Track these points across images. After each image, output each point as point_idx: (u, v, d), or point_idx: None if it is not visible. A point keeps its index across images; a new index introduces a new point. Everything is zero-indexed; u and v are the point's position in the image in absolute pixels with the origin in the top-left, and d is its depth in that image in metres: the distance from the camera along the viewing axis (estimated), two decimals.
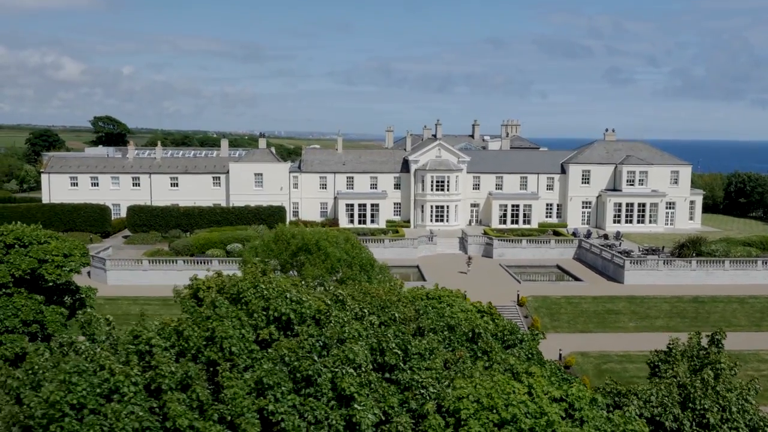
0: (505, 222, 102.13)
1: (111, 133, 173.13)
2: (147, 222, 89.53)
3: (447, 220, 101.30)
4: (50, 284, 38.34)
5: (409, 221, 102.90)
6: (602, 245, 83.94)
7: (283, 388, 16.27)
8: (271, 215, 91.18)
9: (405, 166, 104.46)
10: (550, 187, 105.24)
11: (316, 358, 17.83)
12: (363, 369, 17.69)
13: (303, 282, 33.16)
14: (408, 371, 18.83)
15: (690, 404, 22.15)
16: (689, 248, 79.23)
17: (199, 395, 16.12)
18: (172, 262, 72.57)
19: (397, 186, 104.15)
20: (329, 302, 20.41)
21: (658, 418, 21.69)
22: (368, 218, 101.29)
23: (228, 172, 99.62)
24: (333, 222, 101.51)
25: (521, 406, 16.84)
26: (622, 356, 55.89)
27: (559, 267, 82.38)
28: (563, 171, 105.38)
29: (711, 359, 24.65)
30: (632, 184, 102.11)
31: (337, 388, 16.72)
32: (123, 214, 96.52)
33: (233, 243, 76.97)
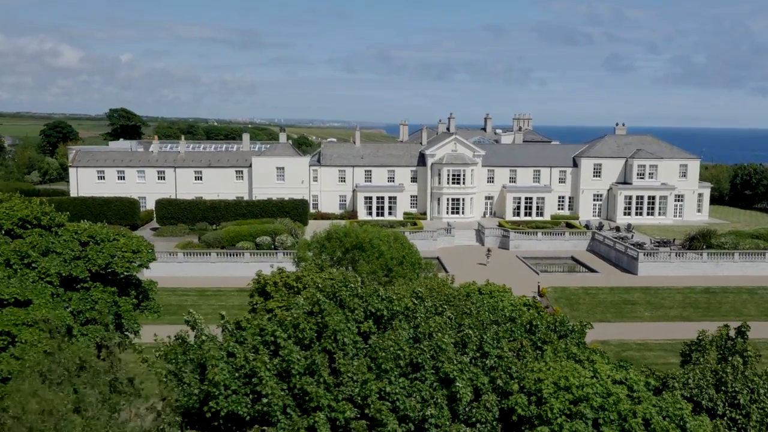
0: (518, 214, 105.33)
1: (126, 125, 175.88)
2: (175, 215, 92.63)
3: (462, 213, 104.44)
4: (120, 278, 41.55)
5: (425, 213, 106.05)
6: (615, 237, 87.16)
7: (396, 372, 19.44)
8: (294, 208, 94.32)
9: (421, 159, 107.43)
10: (562, 180, 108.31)
11: (406, 348, 21.01)
12: (452, 356, 20.90)
13: (358, 277, 36.51)
14: (492, 357, 22.03)
15: (723, 387, 25.39)
16: (699, 241, 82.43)
17: (325, 379, 19.28)
18: (206, 255, 75.72)
19: (413, 179, 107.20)
20: (415, 300, 23.57)
21: (695, 399, 24.91)
22: (386, 210, 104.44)
23: (250, 165, 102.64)
24: (352, 214, 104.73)
25: (591, 387, 20.03)
26: (640, 344, 59.15)
27: (573, 258, 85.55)
28: (575, 164, 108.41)
29: (738, 348, 27.90)
30: (642, 178, 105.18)
31: (439, 372, 19.91)
32: (149, 206, 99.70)
33: (262, 236, 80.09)
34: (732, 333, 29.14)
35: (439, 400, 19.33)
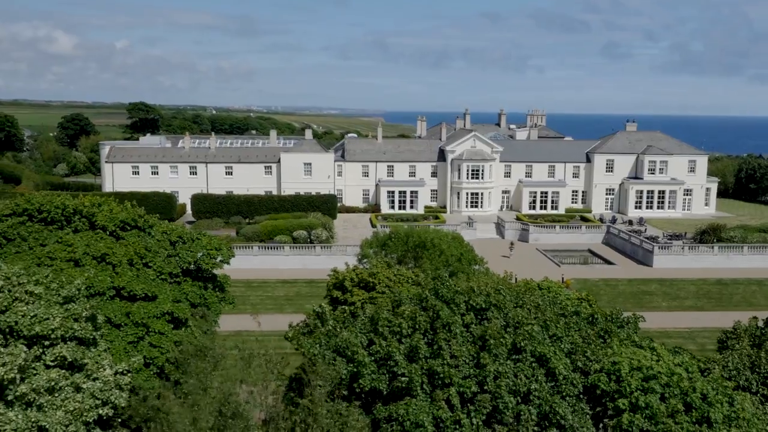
0: (534, 208, 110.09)
1: (145, 119, 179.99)
2: (210, 209, 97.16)
3: (481, 206, 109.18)
4: (202, 273, 46.20)
5: (445, 207, 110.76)
6: (629, 231, 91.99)
7: (504, 354, 24.17)
8: (324, 203, 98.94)
9: (441, 155, 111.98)
10: (576, 175, 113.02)
11: (507, 336, 25.76)
12: (542, 341, 25.68)
13: (423, 273, 41.35)
14: (566, 343, 26.78)
15: (756, 369, 30.25)
16: (710, 234, 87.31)
17: (447, 361, 23.98)
18: (248, 248, 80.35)
19: (433, 174, 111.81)
20: (503, 295, 28.29)
21: (733, 379, 29.74)
22: (408, 204, 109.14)
23: (279, 161, 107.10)
24: (375, 208, 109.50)
25: (658, 368, 24.76)
26: (660, 332, 63.89)
27: (590, 251, 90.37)
28: (588, 160, 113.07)
29: (766, 335, 32.74)
30: (653, 173, 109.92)
31: (535, 354, 24.66)
32: (181, 200, 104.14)
33: (298, 230, 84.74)
34: (761, 323, 33.96)
35: (539, 377, 24.07)
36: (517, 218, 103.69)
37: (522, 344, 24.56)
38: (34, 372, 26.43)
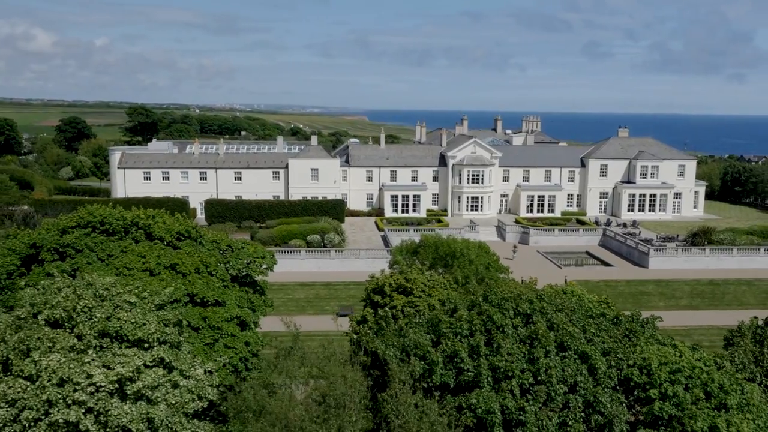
0: (531, 211, 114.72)
1: (145, 123, 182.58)
2: (223, 214, 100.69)
3: (481, 210, 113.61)
4: (247, 279, 49.99)
5: (446, 210, 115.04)
6: (625, 233, 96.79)
7: (553, 351, 28.33)
8: (333, 207, 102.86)
9: (442, 160, 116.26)
10: (571, 179, 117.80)
11: (552, 335, 29.93)
12: (582, 340, 29.92)
13: (453, 278, 45.51)
14: (599, 343, 31.01)
15: (760, 363, 34.72)
16: (701, 237, 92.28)
17: (505, 358, 28.10)
18: None
19: (435, 179, 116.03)
20: (545, 302, 32.49)
21: (740, 372, 34.12)
22: (410, 208, 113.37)
23: (286, 167, 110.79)
24: (379, 211, 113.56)
25: (682, 362, 29.00)
26: (659, 331, 68.54)
27: (588, 253, 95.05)
28: (583, 165, 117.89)
29: (766, 333, 37.24)
30: (645, 177, 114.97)
31: (578, 352, 28.84)
32: (191, 205, 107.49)
33: (312, 234, 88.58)
34: (761, 323, 38.50)
35: (583, 371, 28.26)
36: (516, 221, 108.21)
37: (568, 343, 28.79)
38: (139, 371, 30.26)
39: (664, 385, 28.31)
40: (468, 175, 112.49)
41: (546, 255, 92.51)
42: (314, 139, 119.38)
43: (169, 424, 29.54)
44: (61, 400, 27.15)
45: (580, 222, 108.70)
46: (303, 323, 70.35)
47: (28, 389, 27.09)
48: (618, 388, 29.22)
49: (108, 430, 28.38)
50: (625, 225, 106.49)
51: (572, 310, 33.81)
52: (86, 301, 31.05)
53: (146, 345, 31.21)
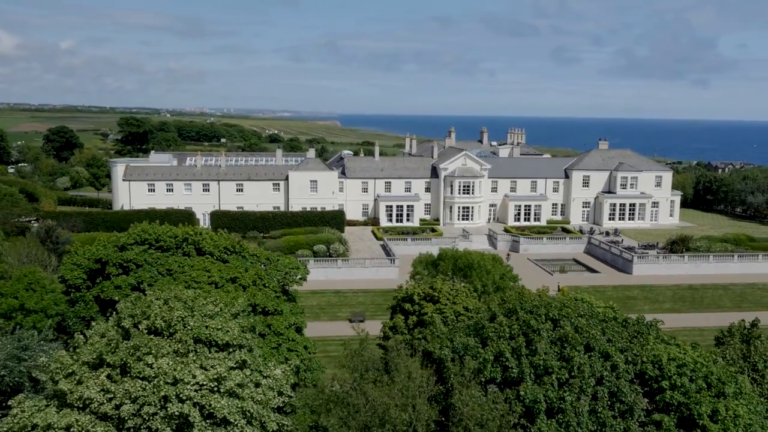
0: (519, 219, 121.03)
1: (136, 133, 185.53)
2: (227, 224, 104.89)
3: (472, 219, 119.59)
4: (282, 288, 54.91)
5: (438, 220, 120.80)
6: (609, 241, 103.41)
7: (581, 351, 33.96)
8: (333, 218, 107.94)
9: (434, 172, 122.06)
10: (555, 190, 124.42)
11: (578, 337, 35.59)
12: (603, 341, 35.61)
13: (473, 287, 51.06)
14: (615, 344, 36.70)
15: (747, 359, 40.78)
16: (679, 245, 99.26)
17: (543, 357, 33.63)
18: None
19: (427, 189, 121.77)
20: (570, 308, 38.10)
21: (730, 366, 40.16)
22: (404, 217, 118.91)
23: (286, 178, 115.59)
24: (374, 221, 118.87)
25: (687, 358, 34.75)
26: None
27: (575, 260, 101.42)
28: (566, 176, 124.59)
29: (753, 334, 43.39)
30: (625, 188, 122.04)
31: (602, 351, 34.49)
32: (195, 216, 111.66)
33: (318, 244, 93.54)
34: (747, 325, 44.68)
35: (607, 367, 33.92)
36: (506, 230, 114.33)
37: (592, 344, 34.48)
38: (230, 371, 35.19)
39: (673, 378, 34.07)
40: (459, 186, 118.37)
41: (536, 262, 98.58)
42: (311, 152, 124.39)
43: (259, 417, 34.56)
44: (174, 397, 32.07)
45: (565, 230, 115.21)
46: (318, 329, 75.99)
47: (147, 388, 31.94)
48: (635, 380, 34.90)
49: (209, 421, 33.34)
50: (607, 233, 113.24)
51: (590, 315, 39.52)
52: (180, 312, 35.97)
53: (231, 349, 36.21)
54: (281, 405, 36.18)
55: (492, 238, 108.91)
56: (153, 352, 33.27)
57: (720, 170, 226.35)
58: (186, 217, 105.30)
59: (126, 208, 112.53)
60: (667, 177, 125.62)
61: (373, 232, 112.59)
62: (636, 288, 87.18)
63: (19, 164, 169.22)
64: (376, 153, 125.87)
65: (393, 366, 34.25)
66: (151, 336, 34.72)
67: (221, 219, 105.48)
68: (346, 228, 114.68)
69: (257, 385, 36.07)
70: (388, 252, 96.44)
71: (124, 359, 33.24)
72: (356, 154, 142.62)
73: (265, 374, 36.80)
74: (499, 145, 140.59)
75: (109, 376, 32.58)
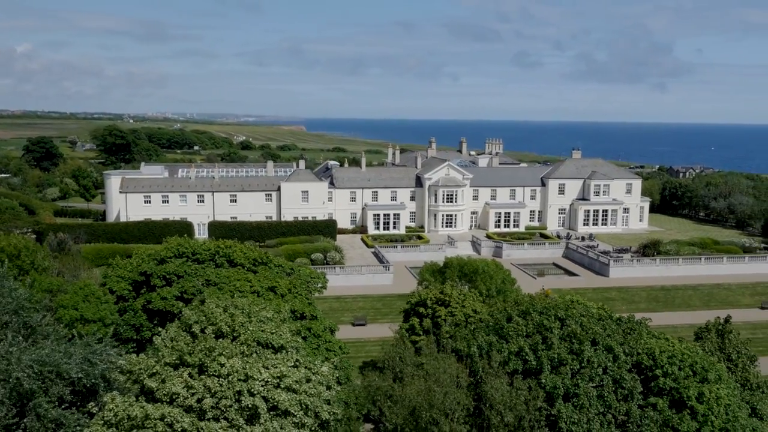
0: (499, 226, 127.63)
1: (119, 144, 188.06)
2: (225, 234, 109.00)
3: (455, 226, 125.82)
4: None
5: (423, 227, 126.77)
6: (585, 246, 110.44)
7: (589, 346, 39.97)
8: (326, 227, 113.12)
9: (418, 181, 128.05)
10: (533, 197, 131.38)
11: (584, 333, 41.65)
12: (605, 337, 41.72)
13: (478, 291, 56.88)
14: (614, 338, 42.84)
15: (724, 350, 47.35)
16: (651, 248, 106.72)
17: (558, 350, 39.51)
18: None
19: (412, 198, 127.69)
20: (575, 309, 44.14)
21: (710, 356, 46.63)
22: (391, 225, 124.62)
23: (278, 189, 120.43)
24: (362, 229, 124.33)
25: (676, 349, 40.99)
26: None
27: (555, 264, 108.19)
28: (543, 184, 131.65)
29: (727, 329, 50.03)
30: (598, 195, 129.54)
31: (604, 345, 40.56)
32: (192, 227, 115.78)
33: (315, 253, 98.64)
34: (721, 320, 51.35)
35: (610, 359, 40.01)
36: (488, 236, 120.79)
37: (597, 339, 40.60)
38: (290, 369, 40.36)
39: (665, 367, 40.32)
40: (443, 195, 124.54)
41: (519, 267, 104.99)
42: (302, 164, 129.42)
43: (314, 408, 39.91)
44: (246, 391, 37.25)
45: (544, 236, 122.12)
46: None
47: (223, 384, 37.05)
48: (633, 369, 41.10)
49: (272, 412, 38.59)
50: (583, 238, 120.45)
51: (590, 315, 45.69)
52: (241, 318, 41.21)
53: (285, 351, 41.45)
54: (328, 398, 41.54)
55: (476, 245, 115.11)
56: (225, 353, 38.41)
57: (681, 174, 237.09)
58: (184, 227, 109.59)
59: (123, 219, 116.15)
60: (637, 184, 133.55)
61: (362, 239, 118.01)
62: (614, 290, 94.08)
63: (1, 175, 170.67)
64: (363, 163, 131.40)
65: (428, 361, 39.88)
66: (219, 339, 39.85)
67: (219, 229, 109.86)
68: (338, 236, 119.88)
69: (308, 380, 41.41)
70: (380, 259, 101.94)
71: (202, 360, 38.32)
72: (341, 163, 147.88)
73: (314, 371, 42.13)
74: (478, 154, 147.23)
75: (189, 375, 37.64)
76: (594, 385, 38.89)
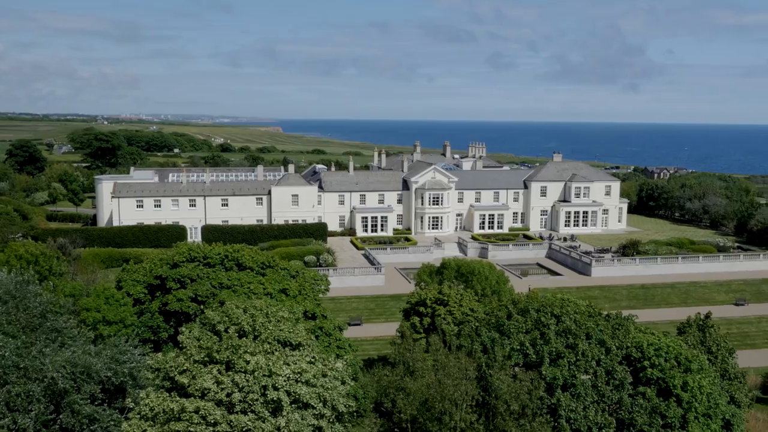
0: (483, 228, 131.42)
1: (105, 148, 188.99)
2: (218, 238, 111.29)
3: (441, 228, 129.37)
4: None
5: (410, 229, 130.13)
6: (567, 247, 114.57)
7: (584, 340, 43.51)
8: (317, 230, 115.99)
9: (405, 185, 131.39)
10: (516, 200, 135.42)
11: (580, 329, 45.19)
12: (598, 331, 45.32)
13: (474, 291, 60.28)
14: (606, 333, 46.43)
15: (705, 343, 51.22)
16: (630, 248, 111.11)
17: (557, 346, 42.98)
18: None
19: (399, 201, 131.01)
20: (570, 307, 47.68)
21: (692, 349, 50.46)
22: (379, 227, 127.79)
23: (269, 193, 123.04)
24: (351, 231, 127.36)
25: (662, 342, 44.67)
26: None
27: (539, 265, 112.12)
28: (526, 186, 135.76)
29: (707, 324, 53.96)
30: (578, 197, 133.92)
31: (597, 339, 44.12)
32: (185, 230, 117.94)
33: (309, 255, 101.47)
34: (702, 316, 55.29)
35: (603, 351, 43.56)
36: (473, 237, 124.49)
37: (591, 333, 44.18)
38: (308, 364, 43.33)
39: (652, 358, 44.02)
40: (429, 198, 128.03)
41: (504, 267, 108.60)
42: (291, 168, 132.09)
43: (331, 401, 42.96)
44: (270, 386, 40.19)
45: (527, 237, 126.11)
46: None
47: (249, 379, 39.96)
48: (623, 361, 44.76)
49: (294, 405, 41.59)
50: (565, 239, 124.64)
51: (582, 312, 49.27)
52: (261, 319, 44.14)
53: (302, 348, 44.43)
54: (343, 392, 44.59)
55: (462, 246, 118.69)
56: (250, 350, 41.31)
57: (656, 175, 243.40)
58: (177, 231, 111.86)
59: (115, 223, 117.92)
60: (616, 186, 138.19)
61: (352, 242, 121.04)
62: (596, 288, 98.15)
63: None
64: (351, 167, 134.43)
65: (437, 356, 43.13)
66: (242, 338, 42.73)
67: (212, 233, 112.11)
68: (327, 239, 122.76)
69: (324, 375, 44.44)
70: (371, 261, 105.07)
71: (229, 357, 41.18)
72: (328, 166, 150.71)
73: (329, 367, 45.18)
74: (462, 157, 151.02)
75: (218, 371, 40.50)
76: (589, 376, 42.42)
